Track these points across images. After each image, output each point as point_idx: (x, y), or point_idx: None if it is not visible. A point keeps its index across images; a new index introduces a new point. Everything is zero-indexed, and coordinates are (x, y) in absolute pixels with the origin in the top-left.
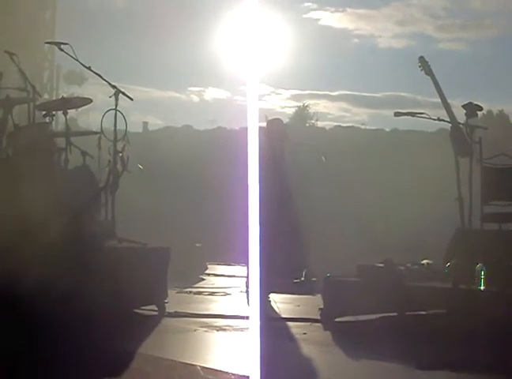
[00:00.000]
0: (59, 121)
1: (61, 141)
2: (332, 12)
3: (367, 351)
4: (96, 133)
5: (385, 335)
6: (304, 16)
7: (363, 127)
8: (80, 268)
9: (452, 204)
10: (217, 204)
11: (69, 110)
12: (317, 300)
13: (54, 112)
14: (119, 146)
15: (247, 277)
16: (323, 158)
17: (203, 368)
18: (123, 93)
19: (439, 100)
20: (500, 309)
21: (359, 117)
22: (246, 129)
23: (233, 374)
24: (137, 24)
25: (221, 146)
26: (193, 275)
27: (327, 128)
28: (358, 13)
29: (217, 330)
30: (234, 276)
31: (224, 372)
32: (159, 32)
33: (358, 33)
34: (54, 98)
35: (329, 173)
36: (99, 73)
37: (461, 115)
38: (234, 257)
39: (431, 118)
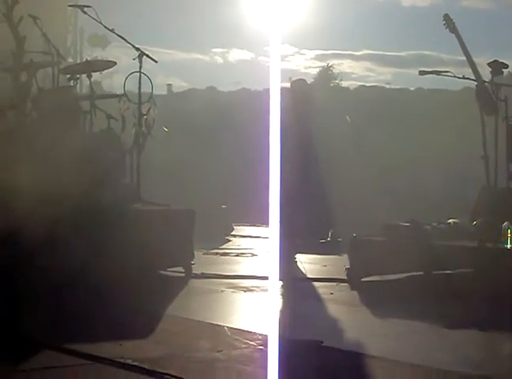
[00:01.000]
0: (83, 84)
1: (85, 104)
2: None
3: (393, 311)
4: (120, 95)
5: (411, 295)
6: None
7: (387, 86)
8: (107, 231)
9: (478, 163)
10: (242, 165)
11: (93, 74)
12: (343, 260)
13: (78, 75)
14: (144, 109)
15: None
16: (348, 118)
17: (230, 328)
18: (147, 55)
19: (464, 58)
20: None
21: (383, 76)
22: (269, 90)
23: (260, 334)
24: None
25: (245, 107)
26: (219, 236)
27: (351, 88)
28: None
29: (244, 291)
30: (260, 237)
31: (251, 332)
32: None
33: None
34: (78, 61)
35: (354, 132)
36: (122, 35)
37: (486, 73)
38: (260, 217)
39: (456, 77)
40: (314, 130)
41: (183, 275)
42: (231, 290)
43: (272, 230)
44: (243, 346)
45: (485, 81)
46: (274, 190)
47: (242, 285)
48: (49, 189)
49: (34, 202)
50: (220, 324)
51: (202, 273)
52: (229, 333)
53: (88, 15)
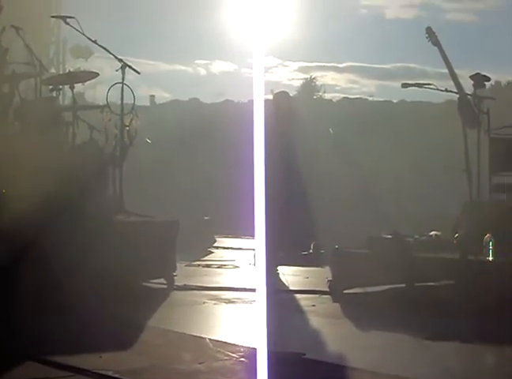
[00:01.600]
0: (66, 95)
1: (68, 115)
2: None
3: (375, 323)
4: (103, 106)
5: (393, 307)
6: None
7: (370, 99)
8: (89, 242)
9: (460, 175)
10: (225, 176)
11: (75, 85)
12: (325, 272)
13: (60, 86)
14: (127, 120)
15: (256, 250)
16: (330, 130)
17: (212, 340)
18: (130, 67)
19: (447, 71)
20: (508, 280)
21: (367, 88)
22: (253, 101)
23: (242, 347)
24: None
25: (228, 119)
26: (201, 248)
27: (334, 100)
28: None
29: (226, 303)
30: (242, 249)
31: (233, 344)
32: (165, 5)
33: (366, 3)
34: (60, 72)
35: (337, 145)
36: (105, 46)
37: (468, 86)
38: (242, 229)
39: (438, 89)
40: (296, 143)
41: (165, 286)
42: (213, 301)
43: (258, 242)
44: (225, 358)
45: (467, 94)
46: (260, 202)
47: (224, 297)
48: (31, 200)
49: (15, 213)
50: (201, 335)
51: (184, 285)
52: (211, 345)
53: (71, 26)
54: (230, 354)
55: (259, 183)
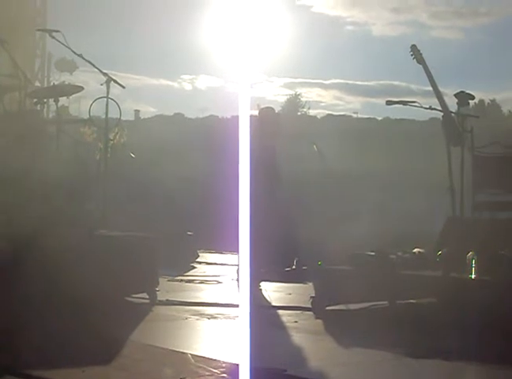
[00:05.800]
0: (50, 108)
1: (52, 129)
2: None
3: (358, 340)
4: (87, 120)
5: (376, 324)
6: (297, 2)
7: (354, 116)
8: (71, 256)
9: (443, 193)
10: (209, 192)
11: (60, 98)
12: (308, 288)
13: (45, 100)
14: (112, 134)
15: (238, 265)
16: (314, 147)
17: (194, 356)
18: (115, 81)
19: (432, 89)
20: (491, 298)
21: (352, 105)
22: (237, 117)
23: (224, 362)
24: (129, 12)
25: (213, 135)
26: (184, 263)
27: (319, 116)
28: None
29: (208, 318)
30: (225, 264)
31: (214, 360)
32: (151, 19)
33: (352, 20)
34: (45, 85)
35: (321, 161)
36: (90, 60)
37: (453, 104)
38: (225, 245)
39: (422, 107)
40: (280, 159)
41: (148, 301)
42: (196, 317)
43: (242, 258)
44: (207, 373)
45: (451, 112)
46: (244, 217)
47: (206, 312)
48: (12, 213)
49: None
50: (183, 351)
51: (167, 300)
52: (193, 360)
53: (56, 39)
54: (212, 369)
55: (244, 199)
